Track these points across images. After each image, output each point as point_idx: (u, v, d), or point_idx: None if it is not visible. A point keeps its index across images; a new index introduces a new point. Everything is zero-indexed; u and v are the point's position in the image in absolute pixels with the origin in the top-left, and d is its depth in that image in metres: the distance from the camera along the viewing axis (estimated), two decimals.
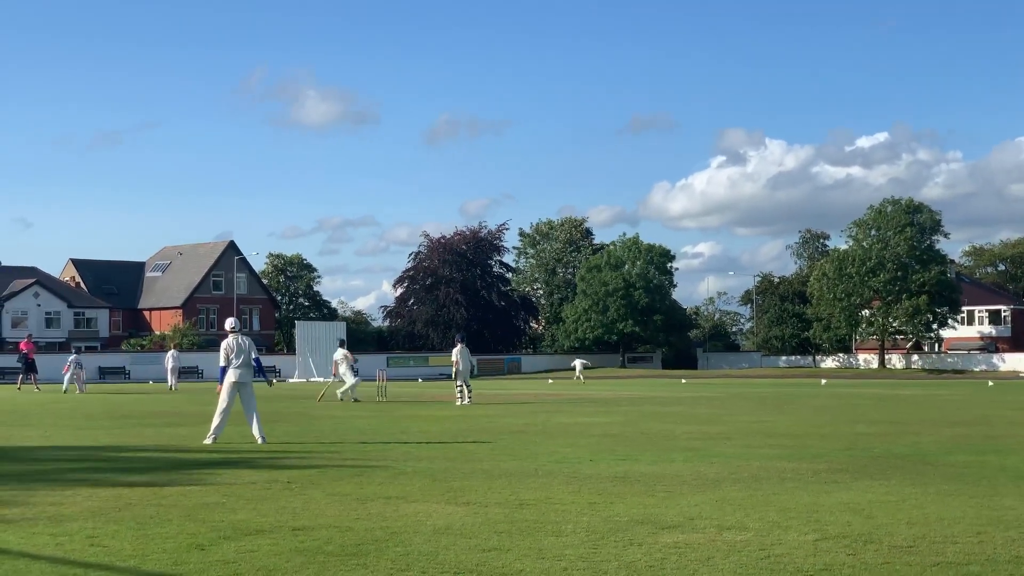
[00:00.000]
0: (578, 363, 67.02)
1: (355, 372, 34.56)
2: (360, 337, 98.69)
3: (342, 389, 34.40)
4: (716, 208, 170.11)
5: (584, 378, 64.77)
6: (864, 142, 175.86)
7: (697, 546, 8.18)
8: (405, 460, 14.55)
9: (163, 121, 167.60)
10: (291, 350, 66.22)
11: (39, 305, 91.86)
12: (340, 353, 34.69)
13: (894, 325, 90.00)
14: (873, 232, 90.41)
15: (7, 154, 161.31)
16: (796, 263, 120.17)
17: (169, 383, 48.43)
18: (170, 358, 49.62)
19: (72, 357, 46.33)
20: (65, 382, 44.69)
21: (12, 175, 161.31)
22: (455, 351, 32.53)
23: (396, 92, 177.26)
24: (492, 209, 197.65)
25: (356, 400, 33.62)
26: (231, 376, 17.67)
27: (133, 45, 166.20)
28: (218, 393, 17.91)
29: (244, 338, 18.02)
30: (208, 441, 17.48)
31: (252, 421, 17.80)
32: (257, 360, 18.12)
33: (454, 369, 32.47)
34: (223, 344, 17.89)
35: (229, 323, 18.47)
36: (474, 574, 7.26)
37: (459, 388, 31.93)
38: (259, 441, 17.41)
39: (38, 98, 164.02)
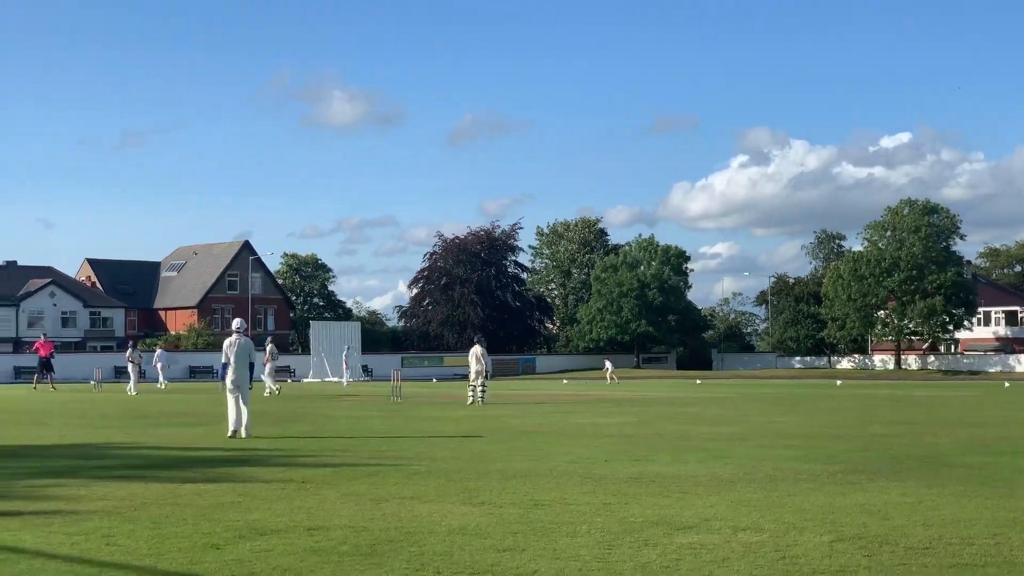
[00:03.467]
0: (609, 365, 67.50)
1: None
2: (375, 337, 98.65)
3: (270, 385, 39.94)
4: (735, 208, 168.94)
5: (616, 378, 65.18)
6: (887, 142, 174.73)
7: (712, 547, 8.16)
8: (420, 460, 14.56)
9: (189, 122, 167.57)
10: (306, 350, 66.33)
11: (55, 305, 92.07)
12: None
13: (910, 326, 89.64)
14: (888, 233, 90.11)
15: (34, 155, 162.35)
16: (811, 264, 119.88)
17: (160, 381, 48.52)
18: (158, 357, 49.42)
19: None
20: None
21: (37, 176, 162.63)
22: (472, 352, 32.40)
23: (422, 93, 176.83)
24: (513, 209, 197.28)
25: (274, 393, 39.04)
26: (230, 374, 18.67)
27: (163, 47, 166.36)
28: (222, 389, 18.96)
29: (245, 339, 19.03)
30: (230, 434, 18.37)
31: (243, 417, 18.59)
32: (251, 363, 19.15)
33: (472, 370, 32.30)
34: (224, 343, 19.11)
35: (235, 323, 19.42)
36: (489, 574, 7.26)
37: (472, 388, 31.90)
38: (243, 436, 18.28)
39: (66, 100, 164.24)
